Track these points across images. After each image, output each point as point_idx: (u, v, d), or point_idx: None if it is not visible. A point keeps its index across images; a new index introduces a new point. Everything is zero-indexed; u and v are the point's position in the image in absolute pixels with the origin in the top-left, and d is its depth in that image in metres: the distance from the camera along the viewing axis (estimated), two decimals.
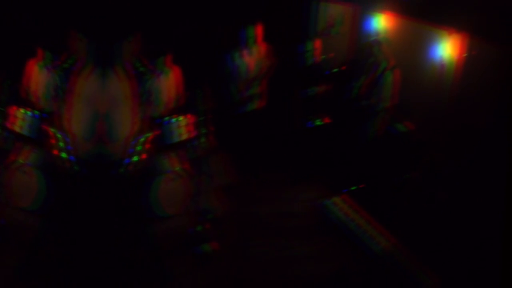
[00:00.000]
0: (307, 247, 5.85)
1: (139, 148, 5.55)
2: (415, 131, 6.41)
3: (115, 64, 5.36)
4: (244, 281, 5.35)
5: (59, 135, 5.47)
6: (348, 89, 6.52)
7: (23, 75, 5.73)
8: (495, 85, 5.48)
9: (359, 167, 6.61)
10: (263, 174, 7.06)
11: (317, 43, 7.42)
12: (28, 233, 5.45)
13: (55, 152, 5.48)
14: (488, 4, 5.39)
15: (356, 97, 6.44)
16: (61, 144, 5.46)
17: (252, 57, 6.59)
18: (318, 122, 7.13)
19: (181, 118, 5.88)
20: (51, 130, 5.51)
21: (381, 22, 6.76)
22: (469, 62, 5.81)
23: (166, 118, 5.82)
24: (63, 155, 5.45)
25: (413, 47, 6.38)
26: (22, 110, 5.68)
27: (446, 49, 5.93)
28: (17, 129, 5.68)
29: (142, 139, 5.57)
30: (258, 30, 6.55)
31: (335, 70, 7.26)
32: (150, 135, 5.63)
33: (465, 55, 5.83)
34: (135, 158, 5.53)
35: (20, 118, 5.68)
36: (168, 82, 5.90)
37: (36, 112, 5.66)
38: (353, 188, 6.61)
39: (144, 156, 5.56)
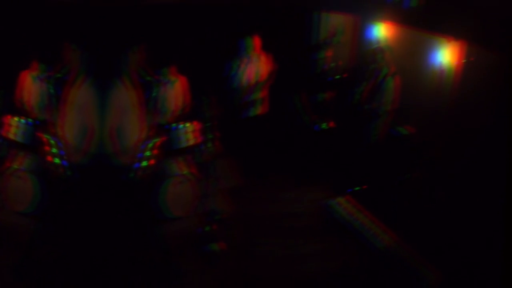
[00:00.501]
0: (312, 246, 5.87)
1: (147, 153, 5.66)
2: (416, 133, 6.49)
3: (121, 74, 5.45)
4: (251, 279, 5.40)
5: (52, 141, 5.57)
6: (351, 95, 6.57)
7: (16, 85, 5.83)
8: (493, 90, 5.56)
9: (362, 168, 6.66)
10: (269, 176, 7.05)
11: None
12: (23, 236, 5.53)
13: (49, 158, 5.58)
14: (485, 12, 5.45)
15: (358, 102, 6.49)
16: (54, 150, 5.56)
17: (252, 65, 6.67)
18: (324, 126, 7.19)
19: (188, 124, 6.04)
20: (45, 137, 5.61)
21: (381, 31, 6.82)
22: (467, 68, 5.88)
23: (174, 125, 5.98)
24: (57, 160, 5.55)
25: (413, 54, 6.44)
26: (16, 118, 5.79)
27: (445, 55, 6.00)
28: (11, 136, 5.79)
29: (150, 145, 5.70)
30: (256, 40, 6.63)
31: (337, 77, 7.37)
32: (157, 140, 5.77)
33: (463, 61, 5.90)
34: (144, 163, 5.67)
35: (14, 126, 5.78)
36: (175, 91, 6.07)
37: (30, 120, 5.76)
38: (357, 188, 6.64)
39: (152, 161, 5.69)
